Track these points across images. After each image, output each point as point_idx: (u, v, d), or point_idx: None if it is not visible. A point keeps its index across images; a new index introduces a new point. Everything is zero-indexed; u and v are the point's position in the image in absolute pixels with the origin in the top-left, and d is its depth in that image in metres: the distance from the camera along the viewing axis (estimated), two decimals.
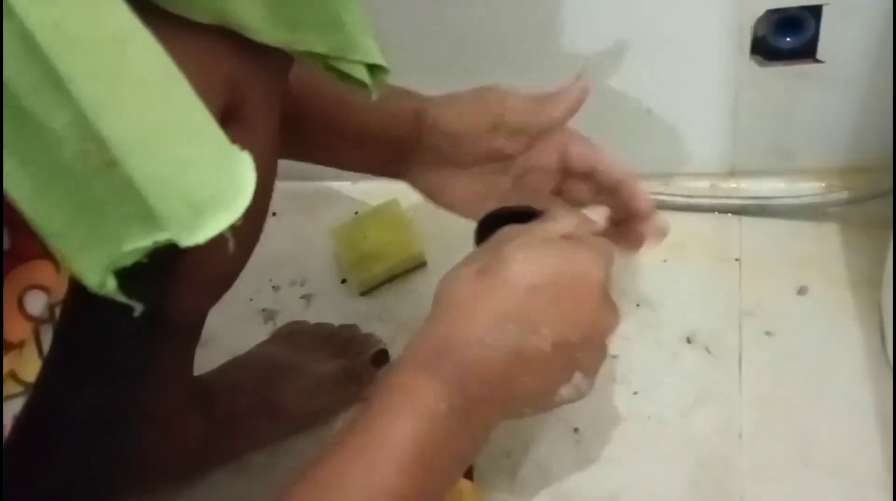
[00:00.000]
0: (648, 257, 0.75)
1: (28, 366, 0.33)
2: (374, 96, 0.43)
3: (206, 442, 0.62)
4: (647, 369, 0.67)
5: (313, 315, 0.77)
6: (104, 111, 0.25)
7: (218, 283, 0.50)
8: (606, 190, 0.58)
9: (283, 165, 0.51)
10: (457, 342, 0.45)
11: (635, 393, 0.65)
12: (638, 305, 0.72)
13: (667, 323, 0.70)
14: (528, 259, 0.48)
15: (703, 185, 0.80)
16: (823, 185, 0.76)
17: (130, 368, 0.43)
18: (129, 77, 0.26)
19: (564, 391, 0.49)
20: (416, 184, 0.62)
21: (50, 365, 0.34)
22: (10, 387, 0.32)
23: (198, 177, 0.28)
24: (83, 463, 0.41)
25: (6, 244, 0.30)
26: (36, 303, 0.32)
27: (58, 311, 0.34)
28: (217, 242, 0.43)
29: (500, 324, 0.46)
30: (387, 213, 0.83)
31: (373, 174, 0.65)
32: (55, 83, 0.24)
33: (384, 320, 0.76)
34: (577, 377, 0.49)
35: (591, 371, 0.50)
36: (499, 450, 0.63)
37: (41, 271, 0.32)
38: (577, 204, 0.60)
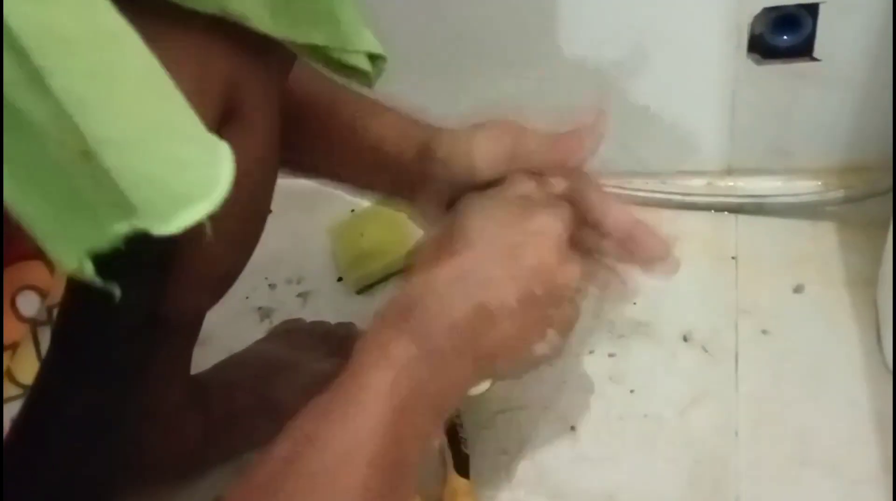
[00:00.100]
0: None
1: (25, 368, 0.33)
2: (374, 85, 0.43)
3: (204, 441, 0.62)
4: (644, 367, 0.67)
5: (310, 313, 0.77)
6: (82, 107, 0.26)
7: (217, 283, 0.50)
8: (615, 238, 0.56)
9: None
10: (421, 300, 0.47)
11: (632, 392, 0.65)
12: (635, 303, 0.72)
13: (663, 322, 0.70)
14: (485, 217, 0.50)
15: (699, 183, 0.80)
16: (820, 183, 0.76)
17: (128, 368, 0.43)
18: (111, 79, 0.26)
19: (539, 348, 0.50)
20: (417, 216, 0.62)
21: (48, 366, 0.34)
22: (7, 389, 0.32)
23: (174, 171, 0.28)
24: (81, 463, 0.41)
25: None
26: (28, 304, 0.32)
27: (55, 312, 0.34)
28: (213, 241, 0.43)
29: (462, 280, 0.47)
30: (384, 211, 0.83)
31: (382, 195, 0.65)
32: (35, 78, 0.25)
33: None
34: (551, 334, 0.50)
35: (565, 328, 0.51)
36: (495, 448, 0.63)
37: (33, 271, 0.32)
38: (580, 247, 0.56)
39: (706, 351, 0.67)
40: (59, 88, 0.25)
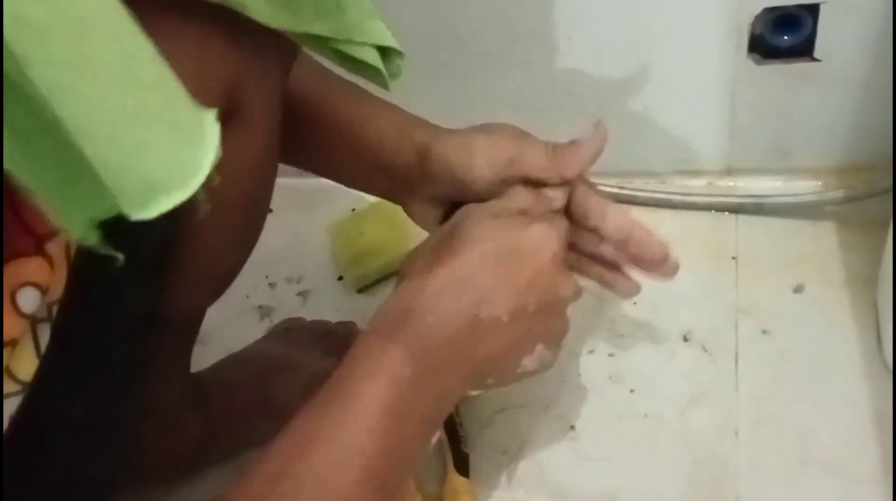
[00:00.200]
0: None
1: (25, 365, 0.33)
2: (392, 86, 0.43)
3: (204, 440, 0.62)
4: (644, 367, 0.67)
5: (310, 312, 0.77)
6: (57, 96, 0.25)
7: (217, 281, 0.50)
8: (614, 242, 0.57)
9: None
10: (414, 310, 0.47)
11: (632, 391, 0.65)
12: (635, 303, 0.71)
13: (663, 321, 0.70)
14: (482, 231, 0.49)
15: (699, 183, 0.80)
16: (820, 183, 0.76)
17: (127, 366, 0.43)
18: (83, 67, 0.26)
19: (527, 362, 0.50)
20: (414, 217, 0.62)
21: (47, 364, 0.34)
22: (6, 386, 0.32)
23: (149, 161, 0.28)
24: (80, 462, 0.41)
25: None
26: (28, 300, 0.32)
27: (55, 309, 0.34)
28: (213, 239, 0.43)
29: (455, 293, 0.47)
30: (384, 210, 0.82)
31: (378, 196, 0.65)
32: (14, 65, 0.25)
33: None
34: (540, 349, 0.50)
35: (553, 343, 0.51)
36: (495, 447, 0.63)
37: (33, 268, 0.32)
38: (580, 251, 0.58)
39: (706, 351, 0.67)
40: (36, 78, 0.25)
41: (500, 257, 0.48)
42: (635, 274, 0.59)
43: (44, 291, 0.32)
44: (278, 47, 0.41)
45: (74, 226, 0.28)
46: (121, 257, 0.28)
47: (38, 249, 0.32)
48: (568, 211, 0.57)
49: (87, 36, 0.26)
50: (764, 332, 0.67)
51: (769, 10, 0.68)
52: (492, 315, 0.47)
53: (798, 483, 0.57)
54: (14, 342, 0.32)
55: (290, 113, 0.49)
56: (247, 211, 0.49)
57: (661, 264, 0.56)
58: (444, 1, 0.75)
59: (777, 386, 0.63)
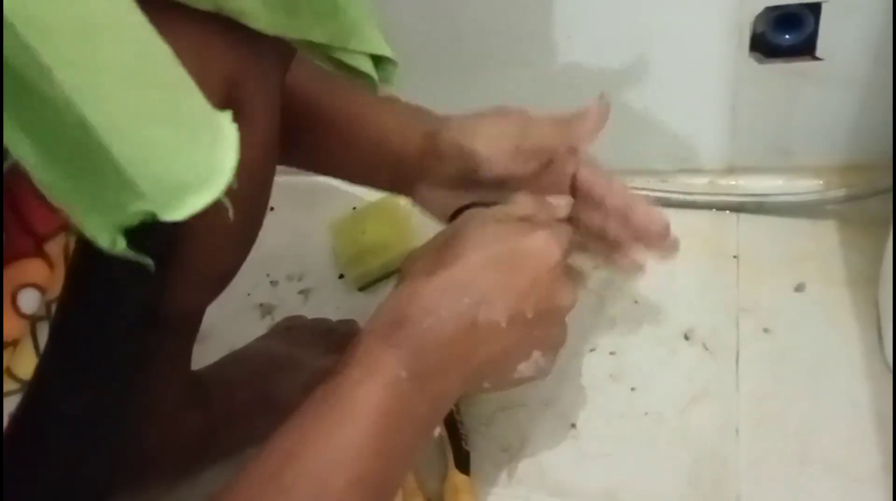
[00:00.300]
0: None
1: (24, 363, 0.33)
2: (380, 91, 0.43)
3: (204, 438, 0.62)
4: (645, 365, 0.67)
5: (311, 310, 0.77)
6: (82, 98, 0.26)
7: (216, 280, 0.50)
8: (616, 216, 0.58)
9: None
10: (413, 312, 0.47)
11: (633, 390, 0.65)
12: (636, 301, 0.72)
13: (664, 320, 0.70)
14: (484, 236, 0.49)
15: (701, 182, 0.80)
16: (822, 182, 0.76)
17: (127, 365, 0.43)
18: (109, 65, 0.26)
19: (524, 367, 0.51)
20: (422, 203, 0.62)
21: (46, 362, 0.34)
22: (6, 385, 0.32)
23: (177, 159, 0.28)
24: (80, 460, 0.41)
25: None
26: (29, 301, 0.32)
27: (54, 308, 0.34)
28: (212, 236, 0.43)
29: (455, 296, 0.47)
30: (385, 208, 0.83)
31: (379, 189, 0.65)
32: (39, 68, 0.25)
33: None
34: (536, 355, 0.51)
35: (551, 350, 0.52)
36: (495, 445, 0.63)
37: (34, 269, 0.32)
38: (585, 229, 0.60)
39: (707, 350, 0.67)
40: (63, 81, 0.25)
41: (501, 261, 0.48)
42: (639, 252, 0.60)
43: (44, 291, 0.33)
44: (277, 45, 0.41)
45: (101, 233, 0.28)
46: (151, 262, 0.28)
47: (38, 250, 0.32)
48: (573, 188, 0.58)
49: (104, 37, 0.26)
50: (765, 331, 0.67)
51: (771, 9, 0.68)
52: (490, 319, 0.47)
53: (798, 482, 0.57)
54: (15, 343, 0.32)
55: (290, 112, 0.49)
56: (246, 209, 0.48)
57: (662, 239, 0.58)
58: (445, 1, 0.75)
59: (778, 385, 0.63)
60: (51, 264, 0.33)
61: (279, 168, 0.50)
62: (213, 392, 0.63)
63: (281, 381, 0.66)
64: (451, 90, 0.74)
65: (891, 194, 0.67)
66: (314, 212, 0.87)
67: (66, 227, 0.33)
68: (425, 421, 0.48)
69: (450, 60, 0.79)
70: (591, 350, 0.69)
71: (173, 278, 0.42)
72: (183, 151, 0.28)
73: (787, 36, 0.70)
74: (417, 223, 0.81)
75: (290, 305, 0.79)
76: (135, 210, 0.28)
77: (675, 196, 0.78)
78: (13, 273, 0.31)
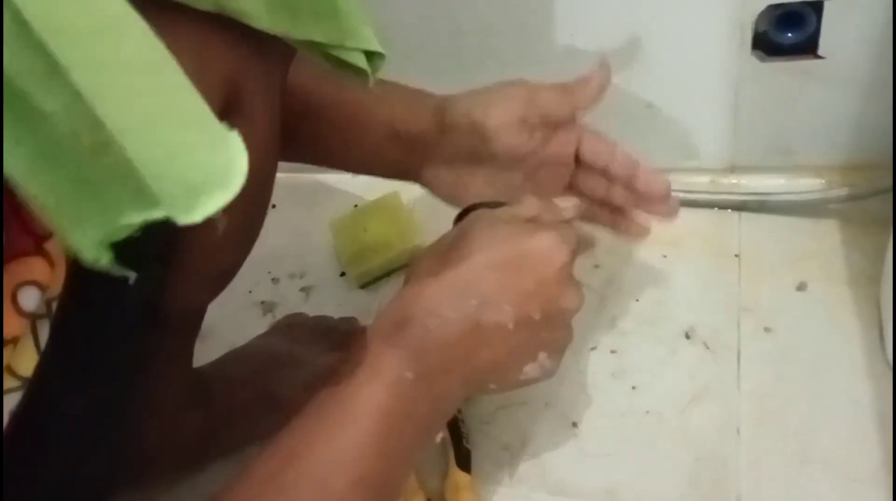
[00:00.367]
0: (648, 252, 0.75)
1: (25, 361, 0.33)
2: (372, 84, 0.43)
3: (205, 435, 0.62)
4: (646, 364, 0.67)
5: (312, 308, 0.77)
6: (101, 98, 0.26)
7: (217, 277, 0.50)
8: (620, 181, 0.60)
9: None
10: (418, 313, 0.47)
11: (634, 388, 0.65)
12: (637, 300, 0.72)
13: (666, 319, 0.70)
14: (491, 237, 0.49)
15: (702, 180, 0.80)
16: (824, 181, 0.76)
17: (128, 363, 0.43)
18: (124, 65, 0.26)
19: (529, 369, 0.51)
20: (429, 183, 0.62)
21: (46, 360, 0.34)
22: (6, 382, 0.32)
23: (192, 161, 0.28)
24: (81, 458, 0.41)
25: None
26: (29, 299, 0.32)
27: (54, 305, 0.34)
28: (214, 234, 0.43)
29: (460, 297, 0.47)
30: (387, 206, 0.83)
31: (383, 175, 0.66)
32: (50, 69, 0.25)
33: (380, 311, 0.76)
34: (542, 357, 0.51)
35: (556, 352, 0.52)
36: (497, 444, 0.63)
37: (34, 267, 0.32)
38: (591, 197, 0.62)
39: (708, 348, 0.67)
40: (79, 81, 0.25)
41: (508, 263, 0.48)
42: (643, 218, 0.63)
43: (44, 289, 0.33)
44: (277, 45, 0.41)
45: (87, 247, 0.28)
46: (133, 274, 0.28)
47: (38, 248, 0.32)
48: (578, 157, 0.60)
49: (122, 38, 0.26)
50: (766, 330, 0.67)
51: (773, 7, 0.68)
52: (496, 321, 0.47)
53: (799, 482, 0.57)
54: (15, 341, 0.32)
55: (294, 102, 0.49)
56: (247, 205, 0.48)
57: (664, 201, 0.60)
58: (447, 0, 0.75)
59: (779, 384, 0.63)
60: (51, 263, 0.33)
61: (281, 166, 0.50)
62: (213, 390, 0.63)
63: (282, 379, 0.66)
64: (452, 89, 0.74)
65: (892, 194, 0.67)
66: (315, 210, 0.87)
67: None
68: (428, 422, 0.48)
69: (451, 60, 0.79)
70: (592, 349, 0.69)
71: (174, 276, 0.42)
72: (199, 152, 0.28)
73: (789, 34, 0.70)
74: (419, 221, 0.81)
75: (292, 303, 0.79)
76: (129, 222, 0.28)
77: (676, 195, 0.78)
78: (13, 271, 0.31)
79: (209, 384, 0.63)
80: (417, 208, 0.82)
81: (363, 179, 0.86)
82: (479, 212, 0.54)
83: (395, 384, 0.45)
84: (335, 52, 0.41)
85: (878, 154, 0.73)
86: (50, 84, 0.25)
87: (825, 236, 0.73)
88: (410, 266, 0.52)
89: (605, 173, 0.60)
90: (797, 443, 0.59)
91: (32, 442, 0.36)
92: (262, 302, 0.80)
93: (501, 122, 0.57)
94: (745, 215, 0.77)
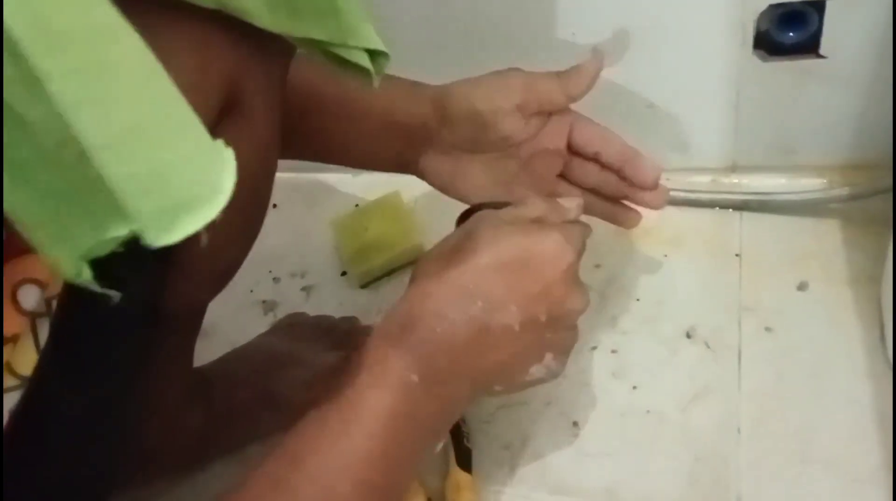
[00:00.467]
0: (649, 251, 0.75)
1: (24, 359, 0.33)
2: (376, 83, 0.43)
3: (206, 434, 0.62)
4: (647, 363, 0.67)
5: (313, 307, 0.77)
6: (78, 110, 0.25)
7: (218, 276, 0.50)
8: (612, 168, 0.61)
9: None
10: (424, 317, 0.46)
11: (634, 388, 0.65)
12: (638, 299, 0.72)
13: (666, 318, 0.70)
14: (496, 238, 0.49)
15: (703, 180, 0.80)
16: (825, 181, 0.76)
17: (128, 361, 0.43)
18: (106, 77, 0.25)
19: (535, 370, 0.51)
20: (428, 173, 0.63)
21: (46, 358, 0.34)
22: (6, 381, 0.32)
23: (172, 179, 0.27)
24: (81, 457, 0.41)
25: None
26: (29, 297, 0.32)
27: (54, 304, 0.34)
28: (215, 234, 0.43)
29: (466, 299, 0.47)
30: (388, 205, 0.83)
31: (383, 169, 0.66)
32: (31, 79, 0.24)
33: (384, 312, 0.75)
34: (548, 358, 0.51)
35: (563, 352, 0.52)
36: (497, 443, 0.63)
37: (34, 265, 0.32)
38: (582, 185, 0.63)
39: (709, 348, 0.67)
40: (56, 92, 0.24)
41: (514, 265, 0.48)
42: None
43: (44, 287, 0.33)
44: (278, 44, 0.41)
45: (66, 262, 0.27)
46: (116, 294, 0.28)
47: None
48: (570, 144, 0.62)
49: (106, 49, 0.25)
50: (767, 329, 0.67)
51: (775, 7, 0.68)
52: (502, 323, 0.47)
53: (799, 481, 0.57)
54: (15, 338, 0.32)
55: (291, 100, 0.49)
56: (247, 204, 0.48)
57: (654, 187, 0.61)
58: None
59: (780, 384, 0.63)
60: None
61: (282, 165, 0.50)
62: (215, 388, 0.63)
63: (283, 378, 0.66)
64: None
65: (893, 193, 0.67)
66: (316, 209, 0.87)
67: None
68: (433, 426, 0.48)
69: (452, 59, 0.79)
70: (593, 348, 0.69)
71: (174, 275, 0.42)
72: (182, 169, 0.28)
73: (790, 34, 0.70)
74: (420, 220, 0.81)
75: (293, 302, 0.79)
76: (111, 236, 0.27)
77: (677, 194, 0.78)
78: (13, 269, 0.31)
79: (210, 383, 0.63)
80: (418, 207, 0.82)
81: (364, 179, 0.86)
82: (484, 213, 0.53)
83: (400, 388, 0.44)
84: (337, 51, 0.41)
85: (880, 154, 0.73)
86: (31, 94, 0.25)
87: (826, 236, 0.72)
88: (415, 268, 0.52)
89: (596, 160, 0.62)
90: (798, 443, 0.59)
91: (32, 441, 0.36)
92: (263, 301, 0.80)
93: (500, 108, 0.58)
94: (746, 214, 0.77)
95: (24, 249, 0.32)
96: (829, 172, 0.76)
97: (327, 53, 0.41)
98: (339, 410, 0.44)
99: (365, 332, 0.71)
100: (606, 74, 0.68)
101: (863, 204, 0.72)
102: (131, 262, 0.28)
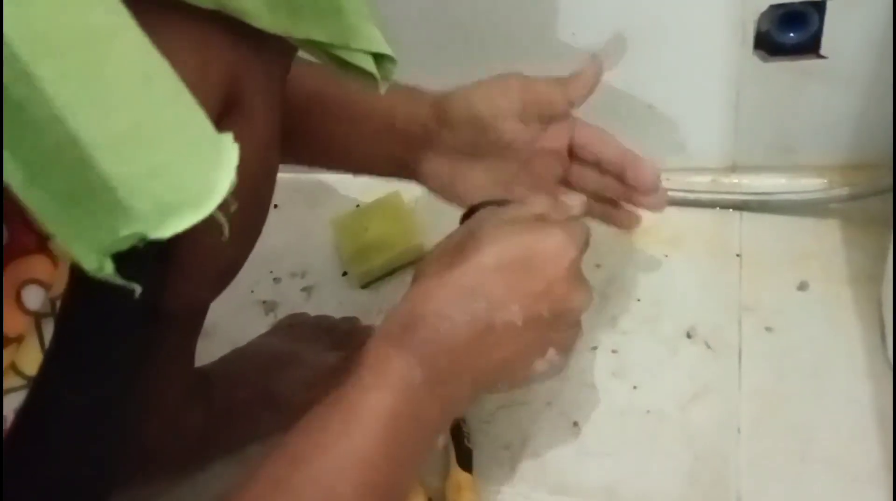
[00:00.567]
0: (649, 251, 0.75)
1: (29, 359, 0.33)
2: (383, 89, 0.43)
3: (206, 434, 0.62)
4: (647, 363, 0.67)
5: (314, 307, 0.77)
6: (76, 113, 0.25)
7: (219, 276, 0.50)
8: (612, 172, 0.61)
9: None
10: (427, 316, 0.46)
11: (635, 387, 0.65)
12: (638, 299, 0.72)
13: (667, 318, 0.70)
14: (498, 237, 0.49)
15: (704, 180, 0.80)
16: (825, 181, 0.76)
17: (131, 361, 0.43)
18: (104, 80, 0.26)
19: (538, 366, 0.50)
20: (427, 176, 0.63)
21: (50, 358, 0.34)
22: (10, 381, 0.32)
23: (172, 177, 0.28)
24: (83, 456, 0.41)
25: (3, 239, 0.30)
26: (33, 297, 0.32)
27: (58, 304, 0.34)
28: (217, 235, 0.43)
29: (469, 298, 0.47)
30: (388, 205, 0.83)
31: (382, 173, 0.66)
32: (31, 84, 0.24)
33: (385, 313, 0.75)
34: (551, 354, 0.51)
35: (566, 348, 0.52)
36: (498, 443, 0.63)
37: (38, 265, 0.32)
38: (583, 189, 0.62)
39: (709, 348, 0.67)
40: (53, 93, 0.24)
41: (516, 263, 0.48)
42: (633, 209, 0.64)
43: (48, 288, 0.33)
44: (278, 44, 0.41)
45: (88, 257, 0.27)
46: (138, 287, 0.28)
47: (42, 246, 0.32)
48: (570, 148, 0.62)
49: (104, 50, 0.25)
50: (767, 329, 0.67)
51: (775, 7, 0.68)
52: (506, 322, 0.47)
53: (799, 480, 0.57)
54: (20, 339, 0.32)
55: (295, 100, 0.49)
56: (248, 203, 0.49)
57: (654, 190, 0.61)
58: None
59: (780, 383, 0.63)
60: (55, 261, 0.33)
61: (282, 166, 0.51)
62: (216, 388, 0.63)
63: (283, 378, 0.66)
64: (454, 86, 0.74)
65: (893, 193, 0.67)
66: (317, 209, 0.87)
67: None
68: (436, 425, 0.47)
69: (453, 58, 0.79)
70: (593, 348, 0.69)
71: (176, 275, 0.42)
72: (179, 169, 0.28)
73: (791, 34, 0.70)
74: (420, 221, 0.81)
75: (293, 302, 0.79)
76: (126, 234, 0.28)
77: (677, 194, 0.78)
78: (17, 270, 0.31)
79: (211, 383, 0.63)
80: (419, 207, 0.82)
81: (364, 179, 0.86)
82: (486, 211, 0.53)
83: (403, 388, 0.44)
84: (339, 53, 0.41)
85: (880, 154, 0.73)
86: (32, 95, 0.25)
87: (826, 236, 0.73)
88: (417, 267, 0.52)
89: (596, 164, 0.61)
90: (798, 442, 0.59)
91: (34, 440, 0.36)
92: (264, 302, 0.80)
93: (500, 112, 0.58)
94: (746, 214, 0.77)
95: (28, 249, 0.32)
96: (829, 172, 0.76)
97: (330, 55, 0.41)
98: (341, 410, 0.44)
99: (365, 332, 0.71)
100: (606, 74, 0.68)
101: (863, 204, 0.72)
102: (134, 262, 0.28)
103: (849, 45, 0.68)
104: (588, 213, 0.62)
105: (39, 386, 0.34)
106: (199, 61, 0.37)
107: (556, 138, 0.61)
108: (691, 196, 0.78)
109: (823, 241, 0.72)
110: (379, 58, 0.42)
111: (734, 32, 0.70)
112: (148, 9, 0.27)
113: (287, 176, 0.59)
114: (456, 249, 0.50)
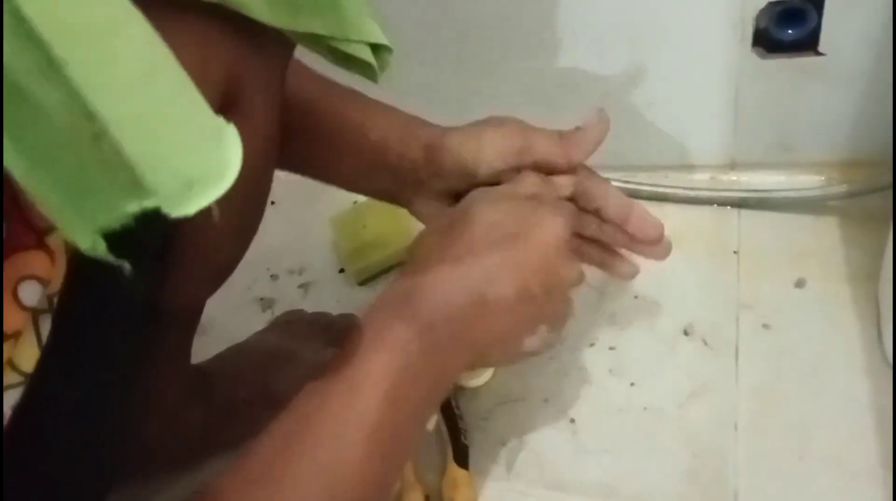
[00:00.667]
0: None
1: (26, 356, 0.33)
2: (379, 79, 0.43)
3: (204, 431, 0.62)
4: (645, 360, 0.67)
5: (311, 304, 0.77)
6: (96, 93, 0.26)
7: (216, 273, 0.50)
8: (614, 223, 0.59)
9: None
10: (423, 288, 0.48)
11: (632, 385, 0.65)
12: (636, 297, 0.72)
13: (664, 315, 0.70)
14: (490, 213, 0.51)
15: (702, 177, 0.80)
16: (823, 178, 0.76)
17: (128, 357, 0.43)
18: (121, 63, 0.26)
19: (530, 342, 0.51)
20: (420, 215, 0.62)
21: (47, 355, 0.34)
22: (8, 377, 0.32)
23: (186, 156, 0.28)
24: (81, 453, 0.41)
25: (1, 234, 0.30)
26: (30, 293, 0.32)
27: (56, 301, 0.34)
28: (212, 230, 0.43)
29: (463, 271, 0.48)
30: (386, 202, 0.82)
31: (373, 197, 0.66)
32: (48, 64, 0.25)
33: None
34: (543, 329, 0.51)
35: (557, 324, 0.53)
36: (495, 439, 0.64)
37: (35, 261, 0.32)
38: (581, 234, 0.60)
39: (707, 345, 0.67)
40: (75, 76, 0.25)
41: (508, 239, 0.49)
42: (634, 258, 0.62)
43: (45, 284, 0.33)
44: (278, 39, 0.41)
45: (83, 236, 0.28)
46: (127, 265, 0.28)
47: (40, 242, 0.32)
48: (571, 197, 0.59)
49: (121, 35, 0.26)
50: (765, 326, 0.67)
51: (774, 4, 0.68)
52: (498, 295, 0.48)
53: (797, 477, 0.57)
54: (17, 335, 0.32)
55: (290, 115, 0.49)
56: (246, 200, 0.48)
57: (656, 243, 0.60)
58: None
59: (777, 381, 0.63)
60: (52, 257, 0.33)
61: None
62: (213, 385, 0.63)
63: (281, 375, 0.66)
64: (453, 87, 0.74)
65: (892, 191, 0.67)
66: (315, 206, 0.87)
67: None
68: (430, 395, 0.48)
69: (452, 57, 0.79)
70: (591, 345, 0.69)
71: (173, 272, 0.42)
72: (193, 146, 0.28)
73: (789, 31, 0.70)
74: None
75: (291, 299, 0.79)
76: (127, 211, 0.28)
77: (676, 192, 0.78)
78: (14, 265, 0.31)
79: (208, 380, 0.63)
80: None
81: None
82: (479, 189, 0.55)
83: (401, 353, 0.45)
84: (338, 46, 0.41)
85: (878, 151, 0.73)
86: (48, 79, 0.25)
87: (825, 233, 0.73)
88: (413, 243, 0.53)
89: (597, 213, 0.59)
90: (795, 439, 0.59)
91: (32, 438, 0.36)
92: (261, 298, 0.80)
93: (492, 164, 0.56)
94: (744, 211, 0.77)
95: (26, 245, 0.32)
96: (827, 169, 0.76)
97: (329, 48, 0.41)
98: (343, 375, 0.45)
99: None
100: (606, 72, 0.68)
101: (861, 201, 0.72)
102: (132, 257, 0.28)
103: (847, 42, 0.68)
104: (587, 259, 0.61)
105: (37, 383, 0.34)
106: (199, 57, 0.37)
107: (560, 187, 0.58)
108: (690, 193, 0.78)
109: (822, 238, 0.72)
110: (376, 49, 0.42)
111: (733, 29, 0.70)
112: (147, 4, 0.27)
113: (285, 173, 0.59)
114: (450, 225, 0.51)
